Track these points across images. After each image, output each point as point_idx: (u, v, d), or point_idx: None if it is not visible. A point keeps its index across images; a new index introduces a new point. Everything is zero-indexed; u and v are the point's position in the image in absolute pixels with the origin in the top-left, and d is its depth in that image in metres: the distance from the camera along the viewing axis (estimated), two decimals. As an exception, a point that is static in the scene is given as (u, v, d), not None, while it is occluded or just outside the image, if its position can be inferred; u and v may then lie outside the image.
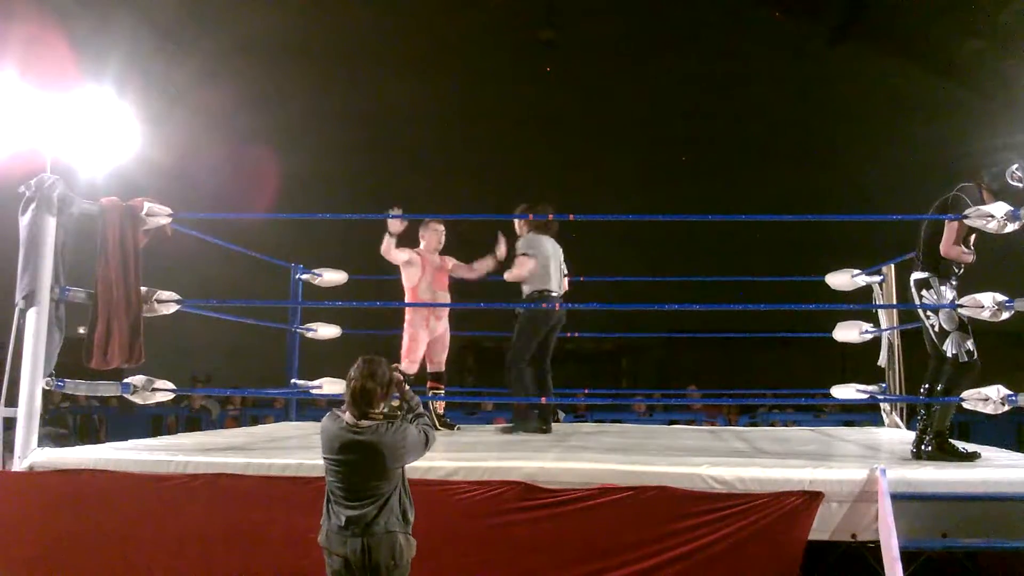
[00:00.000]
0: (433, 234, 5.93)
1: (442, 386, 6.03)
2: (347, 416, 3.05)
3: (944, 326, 4.39)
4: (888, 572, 3.36)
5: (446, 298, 5.97)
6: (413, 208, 5.57)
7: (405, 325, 5.83)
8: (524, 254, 5.61)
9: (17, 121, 4.56)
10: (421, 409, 3.23)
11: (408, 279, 5.86)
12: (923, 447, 4.36)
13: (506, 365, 5.64)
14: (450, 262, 5.99)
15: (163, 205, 4.69)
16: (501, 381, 6.00)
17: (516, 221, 5.84)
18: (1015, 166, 4.34)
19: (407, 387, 3.26)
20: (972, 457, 4.27)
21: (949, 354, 4.36)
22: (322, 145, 13.36)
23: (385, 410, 3.06)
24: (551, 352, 5.83)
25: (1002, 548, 3.69)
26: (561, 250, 5.84)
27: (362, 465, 3.01)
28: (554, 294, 5.67)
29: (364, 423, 3.01)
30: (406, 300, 5.88)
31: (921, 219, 4.57)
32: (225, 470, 4.00)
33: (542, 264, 5.63)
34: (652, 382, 13.66)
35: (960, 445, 4.37)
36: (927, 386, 4.50)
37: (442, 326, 5.96)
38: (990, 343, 4.65)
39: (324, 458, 3.10)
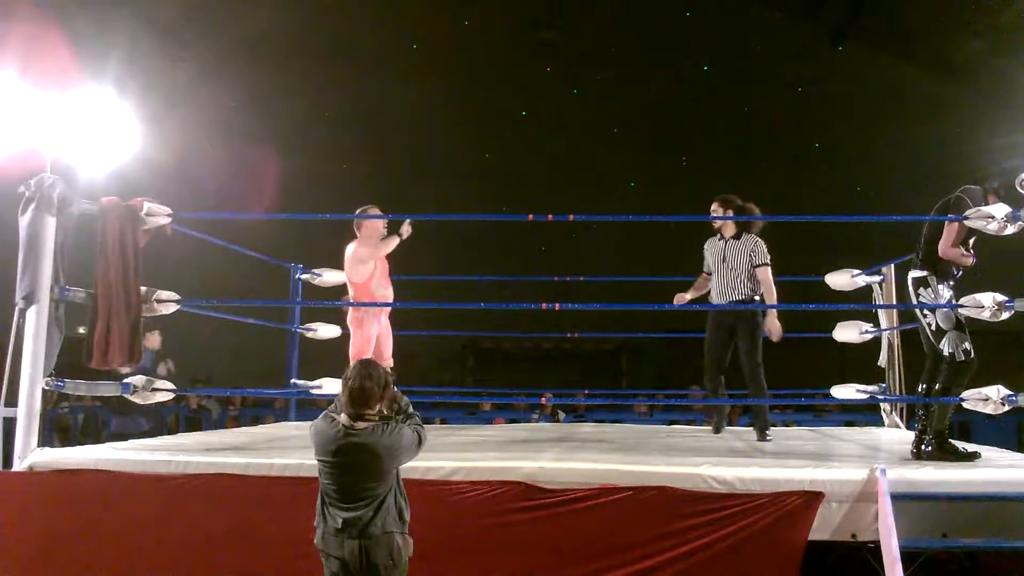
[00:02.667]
0: (380, 223, 5.66)
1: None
2: (343, 418, 3.03)
3: (941, 324, 4.39)
4: (888, 572, 3.35)
5: (392, 292, 5.76)
6: (413, 208, 5.56)
7: (353, 324, 5.58)
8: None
9: (17, 121, 4.55)
10: (412, 409, 3.22)
11: (359, 275, 5.58)
12: (923, 447, 4.36)
13: (752, 370, 5.53)
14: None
15: (163, 205, 4.70)
16: (500, 381, 5.97)
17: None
18: None
19: (395, 388, 3.26)
20: (972, 457, 4.27)
21: (945, 353, 4.35)
22: (322, 145, 13.36)
23: (382, 411, 3.05)
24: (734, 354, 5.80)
25: (1002, 548, 3.69)
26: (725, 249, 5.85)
27: (359, 467, 2.99)
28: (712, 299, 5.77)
29: (360, 425, 3.00)
30: (352, 297, 5.65)
31: (921, 220, 4.57)
32: (225, 470, 4.01)
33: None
34: (652, 382, 13.63)
35: (960, 445, 4.37)
36: (924, 386, 4.50)
37: (387, 321, 5.80)
38: (990, 343, 4.65)
39: (319, 460, 3.07)
